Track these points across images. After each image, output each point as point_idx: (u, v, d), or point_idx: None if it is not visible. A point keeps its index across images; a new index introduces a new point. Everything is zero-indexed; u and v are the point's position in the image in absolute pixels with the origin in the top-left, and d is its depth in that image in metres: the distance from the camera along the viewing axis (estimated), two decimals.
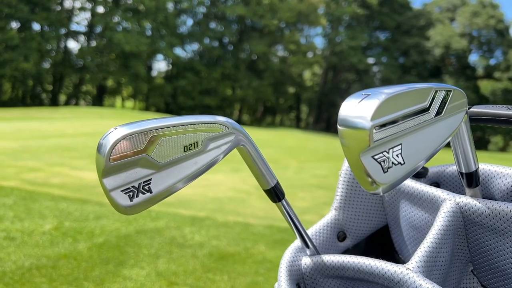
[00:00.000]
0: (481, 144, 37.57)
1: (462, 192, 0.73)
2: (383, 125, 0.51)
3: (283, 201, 0.72)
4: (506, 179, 0.71)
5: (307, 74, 47.28)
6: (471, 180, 0.69)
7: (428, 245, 0.66)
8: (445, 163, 0.85)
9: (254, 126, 34.50)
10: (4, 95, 36.22)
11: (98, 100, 38.34)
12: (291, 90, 44.72)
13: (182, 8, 40.15)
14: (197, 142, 0.61)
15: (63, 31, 36.23)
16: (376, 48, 43.48)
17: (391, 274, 0.63)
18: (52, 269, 3.25)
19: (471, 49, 40.95)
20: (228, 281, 3.37)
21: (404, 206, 0.83)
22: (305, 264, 0.76)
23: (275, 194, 0.71)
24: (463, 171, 0.68)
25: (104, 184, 0.56)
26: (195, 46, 42.24)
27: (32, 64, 31.29)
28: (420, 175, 0.84)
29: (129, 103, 44.42)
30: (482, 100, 37.67)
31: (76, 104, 38.01)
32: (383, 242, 0.91)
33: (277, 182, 0.70)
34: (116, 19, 36.58)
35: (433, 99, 0.56)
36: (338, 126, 0.51)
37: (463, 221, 0.71)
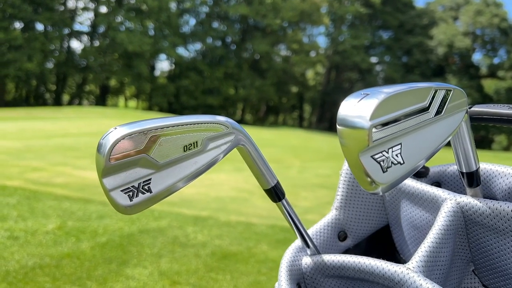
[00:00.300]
0: (485, 143, 37.42)
1: (464, 192, 0.72)
2: (383, 125, 0.50)
3: (284, 201, 0.72)
4: (507, 178, 0.70)
5: (310, 74, 47.24)
6: (472, 179, 0.68)
7: (429, 245, 0.66)
8: (447, 163, 0.84)
9: (257, 125, 34.50)
10: (8, 95, 36.37)
11: (101, 100, 38.45)
12: (294, 89, 44.70)
13: (185, 7, 40.19)
14: (196, 142, 0.61)
15: (66, 31, 36.33)
16: (379, 47, 43.39)
17: (392, 274, 0.63)
18: (55, 268, 3.27)
19: (475, 48, 40.79)
20: (230, 280, 3.37)
21: (405, 205, 0.82)
22: (306, 264, 0.76)
23: (275, 193, 0.71)
24: (464, 171, 0.68)
25: (104, 184, 0.56)
26: (198, 46, 42.31)
27: (35, 64, 31.41)
28: (421, 174, 0.84)
29: (132, 103, 44.51)
30: (486, 99, 37.52)
31: (79, 104, 38.12)
32: (384, 242, 0.91)
33: (277, 182, 0.70)
34: (119, 19, 36.65)
35: (433, 98, 0.56)
36: (337, 126, 0.51)
37: (464, 221, 0.71)
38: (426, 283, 0.58)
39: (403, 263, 0.64)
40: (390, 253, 0.92)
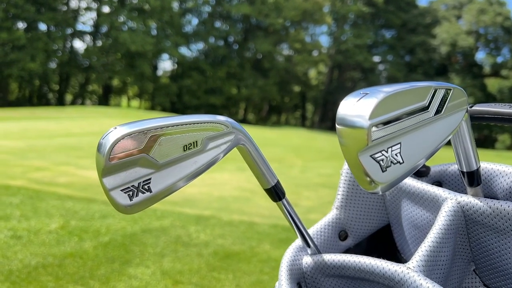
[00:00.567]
0: (488, 142, 37.29)
1: (465, 191, 0.72)
2: (382, 124, 0.50)
3: (284, 200, 0.72)
4: (508, 178, 0.70)
5: (312, 73, 47.19)
6: (473, 179, 0.68)
7: (429, 244, 0.66)
8: (448, 162, 0.84)
9: (259, 125, 34.50)
10: (11, 95, 36.51)
11: (104, 100, 38.53)
12: (296, 88, 44.67)
13: (187, 7, 40.23)
14: (196, 142, 0.61)
15: (69, 31, 36.44)
16: (381, 46, 43.29)
17: (392, 273, 0.63)
18: (58, 267, 3.28)
19: (478, 47, 40.63)
20: (233, 280, 3.37)
21: (406, 205, 0.82)
22: (306, 263, 0.76)
23: (276, 193, 0.71)
24: (464, 170, 0.68)
25: (104, 184, 0.56)
26: (200, 45, 42.35)
27: (38, 64, 31.51)
28: (422, 174, 0.84)
29: (135, 103, 44.59)
30: (489, 98, 37.35)
31: (82, 103, 38.22)
32: (385, 241, 0.91)
33: (278, 181, 0.70)
34: (121, 18, 36.73)
35: (432, 97, 0.56)
36: (336, 125, 0.51)
37: (465, 220, 0.71)
38: (427, 282, 0.58)
39: (404, 263, 0.64)
40: (391, 252, 0.92)
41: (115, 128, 0.57)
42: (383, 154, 0.52)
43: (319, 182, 8.22)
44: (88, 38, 38.19)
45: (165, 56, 44.22)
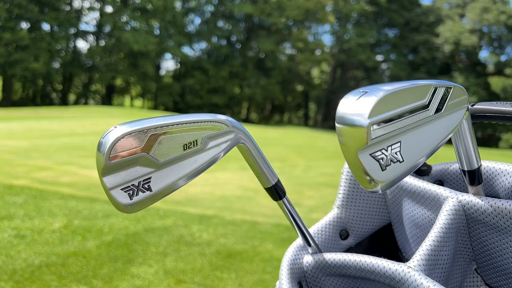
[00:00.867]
0: (492, 141, 37.13)
1: (466, 190, 0.72)
2: (382, 123, 0.50)
3: (284, 199, 0.72)
4: (510, 176, 0.70)
5: (315, 72, 47.13)
6: (474, 177, 0.68)
7: (430, 243, 0.65)
8: (450, 161, 0.84)
9: (262, 124, 34.49)
10: (15, 95, 36.64)
11: (107, 99, 38.63)
12: (299, 88, 44.62)
13: (190, 7, 40.25)
14: (196, 141, 0.61)
15: (72, 31, 36.52)
16: (384, 45, 43.17)
17: (393, 272, 0.63)
18: (62, 267, 3.29)
19: (482, 46, 40.45)
20: (235, 279, 3.37)
21: (407, 204, 0.82)
22: (307, 263, 0.76)
23: (276, 192, 0.71)
24: (465, 169, 0.68)
25: (104, 183, 0.57)
26: (203, 45, 42.37)
27: (42, 64, 31.61)
28: (423, 173, 0.84)
29: (138, 102, 44.68)
30: (493, 96, 37.19)
31: (86, 103, 38.34)
32: (386, 241, 0.91)
33: (278, 180, 0.70)
34: (124, 18, 36.78)
35: (432, 96, 0.56)
36: (336, 124, 0.51)
37: (466, 219, 0.70)
38: (427, 281, 0.58)
39: (405, 262, 0.63)
40: (392, 251, 0.91)
41: (115, 127, 0.57)
42: (382, 153, 0.51)
43: (321, 181, 8.21)
44: (91, 38, 38.32)
45: (168, 55, 44.22)
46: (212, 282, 3.28)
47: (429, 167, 0.84)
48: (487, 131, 36.68)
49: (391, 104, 0.51)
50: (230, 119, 0.65)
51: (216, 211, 5.37)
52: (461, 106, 0.60)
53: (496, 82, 39.09)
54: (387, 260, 0.65)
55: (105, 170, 0.56)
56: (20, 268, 3.19)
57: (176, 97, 38.57)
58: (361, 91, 0.51)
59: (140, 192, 0.58)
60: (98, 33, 38.27)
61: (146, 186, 0.58)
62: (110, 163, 0.56)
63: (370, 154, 0.51)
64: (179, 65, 41.47)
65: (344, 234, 0.86)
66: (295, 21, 40.33)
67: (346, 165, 0.86)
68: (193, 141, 0.61)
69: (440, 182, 0.83)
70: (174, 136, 0.59)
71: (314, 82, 46.29)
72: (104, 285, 3.06)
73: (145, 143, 0.57)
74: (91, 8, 37.86)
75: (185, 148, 0.60)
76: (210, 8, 41.19)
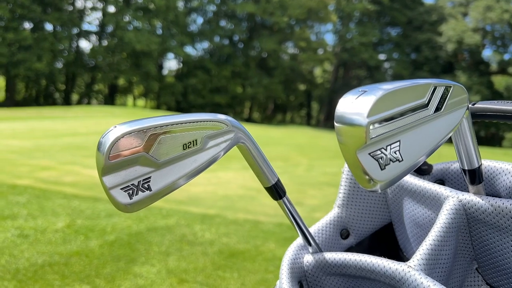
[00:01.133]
0: (495, 140, 36.99)
1: (467, 189, 0.72)
2: (381, 122, 0.50)
3: (285, 199, 0.72)
4: (511, 175, 0.70)
5: (317, 71, 47.06)
6: (474, 177, 0.68)
7: (430, 243, 0.65)
8: (451, 160, 0.84)
9: (264, 124, 34.48)
10: (18, 95, 36.77)
11: (109, 99, 38.71)
12: (301, 87, 44.58)
13: (192, 6, 40.28)
14: (196, 140, 0.61)
15: (75, 31, 36.63)
16: (387, 44, 43.06)
17: (393, 272, 0.63)
18: (65, 266, 3.30)
19: (485, 44, 40.28)
20: (238, 278, 3.38)
21: (408, 203, 0.82)
22: (307, 262, 0.76)
23: (276, 191, 0.71)
24: (466, 168, 0.67)
25: (104, 182, 0.57)
26: (205, 45, 42.38)
27: (45, 64, 31.70)
28: (424, 172, 0.84)
29: (141, 102, 44.74)
30: (496, 95, 37.05)
31: (88, 103, 38.43)
32: (387, 240, 0.91)
33: (278, 180, 0.70)
34: (127, 18, 36.84)
35: (432, 95, 0.55)
36: (335, 123, 0.51)
37: (467, 219, 0.70)
38: (427, 281, 0.58)
39: (406, 261, 0.63)
40: (393, 251, 0.91)
41: (115, 127, 0.57)
42: (382, 152, 0.51)
43: (324, 180, 8.20)
44: (94, 37, 38.41)
45: (170, 55, 44.28)
46: (214, 282, 3.29)
47: (430, 166, 0.84)
48: (491, 130, 36.53)
49: (390, 103, 0.51)
50: (229, 118, 0.65)
51: (218, 210, 5.37)
52: (461, 105, 0.60)
53: (499, 81, 38.93)
54: (387, 259, 0.65)
55: (105, 169, 0.56)
56: (23, 268, 3.21)
57: (179, 96, 38.60)
58: (360, 90, 0.51)
59: (139, 192, 0.58)
60: (100, 33, 38.36)
61: (145, 185, 0.59)
62: (109, 162, 0.56)
63: (369, 154, 0.51)
64: (181, 64, 41.51)
65: (344, 234, 0.86)
66: (297, 20, 40.28)
67: (346, 165, 0.86)
68: (193, 141, 0.61)
69: (441, 181, 0.83)
70: (173, 136, 0.59)
71: (317, 81, 46.23)
72: (106, 285, 3.07)
73: (145, 143, 0.57)
74: (93, 8, 37.95)
75: (185, 148, 0.60)
76: (212, 8, 41.23)
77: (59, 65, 36.12)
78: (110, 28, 37.75)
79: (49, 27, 35.17)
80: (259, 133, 17.93)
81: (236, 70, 38.86)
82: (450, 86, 0.58)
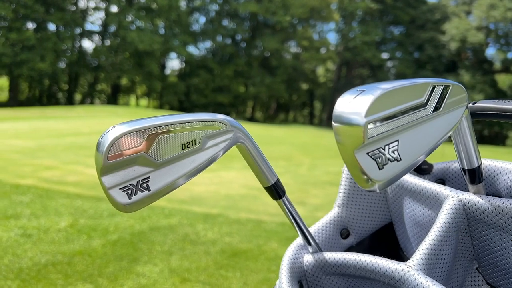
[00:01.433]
0: (498, 139, 36.84)
1: (468, 189, 0.71)
2: (379, 121, 0.50)
3: (284, 198, 0.72)
4: None
5: (320, 70, 47.00)
6: (474, 176, 0.67)
7: (430, 242, 0.65)
8: (451, 159, 0.83)
9: (267, 123, 34.48)
10: (22, 94, 36.90)
11: (112, 99, 38.79)
12: (304, 86, 44.53)
13: (195, 6, 40.30)
14: (195, 140, 0.61)
15: (78, 30, 36.71)
16: (390, 43, 42.94)
17: (392, 271, 0.62)
18: (68, 265, 3.31)
19: (488, 43, 40.10)
20: (240, 278, 3.38)
21: (408, 203, 0.82)
22: (307, 262, 0.76)
23: (276, 191, 0.71)
24: (466, 168, 0.67)
25: (103, 182, 0.57)
26: (208, 44, 42.44)
27: (48, 64, 31.79)
28: (424, 171, 0.83)
29: (143, 101, 44.83)
30: (500, 94, 36.92)
31: (91, 103, 38.53)
32: (387, 240, 0.91)
33: (277, 179, 0.70)
34: (129, 18, 36.90)
35: (430, 94, 0.55)
36: (333, 123, 0.51)
37: (467, 218, 0.70)
38: (427, 281, 0.58)
39: (406, 261, 0.63)
40: (393, 250, 0.91)
41: (114, 127, 0.57)
42: (380, 152, 0.51)
43: (327, 180, 8.20)
44: (96, 37, 38.48)
45: (173, 55, 44.30)
46: (217, 281, 3.29)
47: (430, 166, 0.83)
48: (494, 129, 36.38)
49: (389, 102, 0.51)
50: (228, 118, 0.65)
51: (221, 210, 5.38)
52: (460, 105, 0.60)
53: (503, 80, 38.79)
54: (387, 259, 0.65)
55: (104, 169, 0.56)
56: (26, 267, 3.22)
57: (181, 96, 38.65)
58: (358, 89, 0.51)
59: (138, 192, 0.58)
60: (103, 33, 38.43)
61: (144, 185, 0.59)
62: (108, 162, 0.56)
63: (367, 153, 0.50)
64: (184, 64, 41.56)
65: (345, 233, 0.85)
66: (300, 19, 40.23)
67: None
68: (192, 141, 0.61)
69: (441, 180, 0.83)
70: (172, 136, 0.59)
71: (319, 80, 46.17)
72: (109, 284, 3.08)
73: (144, 143, 0.57)
74: (96, 8, 38.04)
75: (184, 148, 0.60)
76: (215, 7, 41.25)
77: (62, 65, 36.22)
78: (112, 28, 37.82)
79: (52, 27, 35.31)
80: (261, 132, 17.93)
81: (239, 70, 38.86)
82: (449, 86, 0.58)
